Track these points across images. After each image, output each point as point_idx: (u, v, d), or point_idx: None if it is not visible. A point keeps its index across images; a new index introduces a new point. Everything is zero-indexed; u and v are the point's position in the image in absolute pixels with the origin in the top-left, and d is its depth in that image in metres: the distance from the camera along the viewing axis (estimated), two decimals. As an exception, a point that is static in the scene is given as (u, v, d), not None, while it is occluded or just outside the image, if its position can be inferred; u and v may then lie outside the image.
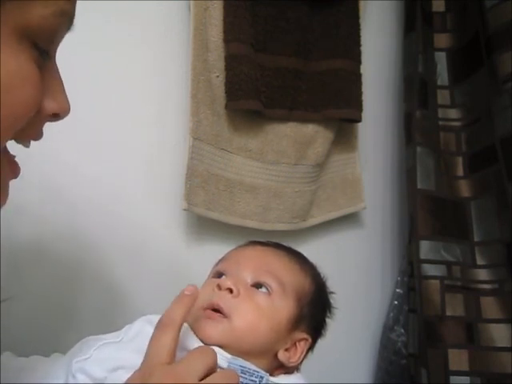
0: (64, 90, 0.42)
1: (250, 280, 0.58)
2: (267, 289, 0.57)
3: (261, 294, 0.57)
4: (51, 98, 0.40)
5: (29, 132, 0.40)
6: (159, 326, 0.47)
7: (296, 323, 0.58)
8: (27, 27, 0.36)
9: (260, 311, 0.55)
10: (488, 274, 1.01)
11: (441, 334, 0.99)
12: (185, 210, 0.88)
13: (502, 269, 0.99)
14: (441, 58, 1.13)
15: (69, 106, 0.42)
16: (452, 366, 0.97)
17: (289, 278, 0.59)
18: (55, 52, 0.41)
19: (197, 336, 0.52)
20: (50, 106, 0.40)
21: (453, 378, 0.96)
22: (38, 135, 0.42)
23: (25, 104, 0.37)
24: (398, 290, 1.13)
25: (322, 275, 0.66)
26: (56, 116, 0.42)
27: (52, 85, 0.40)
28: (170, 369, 0.45)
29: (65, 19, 0.39)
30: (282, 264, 0.61)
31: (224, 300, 0.55)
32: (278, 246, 0.65)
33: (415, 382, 1.02)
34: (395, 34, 1.19)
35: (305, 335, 0.59)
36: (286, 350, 0.57)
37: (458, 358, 0.97)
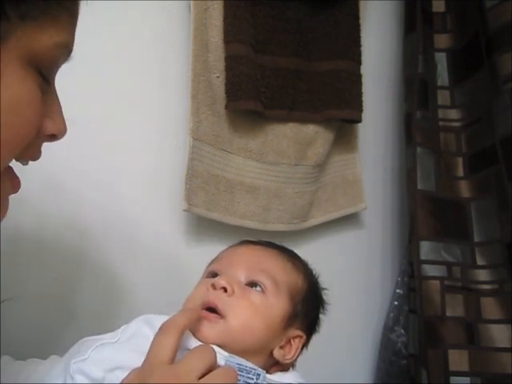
0: (62, 113, 0.44)
1: (243, 279, 0.58)
2: (261, 287, 0.57)
3: (255, 293, 0.57)
4: (50, 119, 0.42)
5: (28, 152, 0.42)
6: (162, 328, 0.48)
7: (290, 321, 0.58)
8: (34, 55, 0.38)
9: (255, 309, 0.55)
10: (488, 274, 1.01)
11: (441, 334, 0.99)
12: (185, 210, 0.88)
13: (502, 269, 0.99)
14: (441, 59, 1.13)
15: (66, 127, 0.44)
16: (452, 367, 0.97)
17: (282, 276, 0.60)
18: (54, 79, 0.43)
19: (194, 336, 0.53)
20: (49, 127, 0.42)
21: (453, 379, 0.96)
22: (37, 155, 0.44)
23: (29, 125, 0.40)
24: (398, 291, 1.12)
25: (314, 272, 0.66)
26: (53, 137, 0.44)
27: (51, 108, 0.43)
28: (170, 369, 0.45)
29: (65, 51, 0.42)
30: (274, 262, 0.61)
31: (219, 299, 0.55)
32: (270, 245, 0.66)
33: (415, 383, 1.02)
34: (395, 34, 1.19)
35: (299, 332, 0.59)
36: (281, 347, 0.57)
37: (458, 359, 0.97)
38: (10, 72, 0.37)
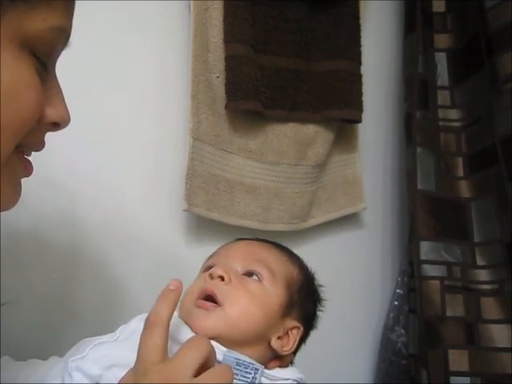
0: (64, 101, 0.43)
1: (240, 269, 0.58)
2: (258, 277, 0.58)
3: (252, 282, 0.57)
4: (52, 106, 0.42)
5: (31, 140, 0.42)
6: (147, 325, 0.47)
7: (287, 310, 0.58)
8: (27, 38, 0.38)
9: (252, 298, 0.56)
10: (488, 274, 1.01)
11: (441, 334, 0.99)
12: (185, 210, 0.88)
13: (502, 269, 0.99)
14: (441, 59, 1.13)
15: (69, 115, 0.44)
16: (452, 367, 0.97)
17: (278, 267, 0.60)
18: (54, 66, 0.43)
19: (191, 328, 0.53)
20: (51, 114, 0.42)
21: (453, 379, 0.97)
22: (40, 145, 0.44)
23: (29, 109, 0.39)
24: (398, 291, 1.13)
25: (309, 267, 0.66)
26: (56, 125, 0.43)
27: (52, 95, 0.42)
28: (164, 367, 0.44)
29: (61, 35, 0.41)
30: (270, 254, 0.62)
31: (217, 287, 0.55)
32: (266, 241, 0.66)
33: (415, 383, 1.02)
34: (395, 34, 1.19)
35: (296, 323, 0.59)
36: (279, 338, 0.57)
37: (458, 359, 0.97)
38: (3, 52, 0.36)
